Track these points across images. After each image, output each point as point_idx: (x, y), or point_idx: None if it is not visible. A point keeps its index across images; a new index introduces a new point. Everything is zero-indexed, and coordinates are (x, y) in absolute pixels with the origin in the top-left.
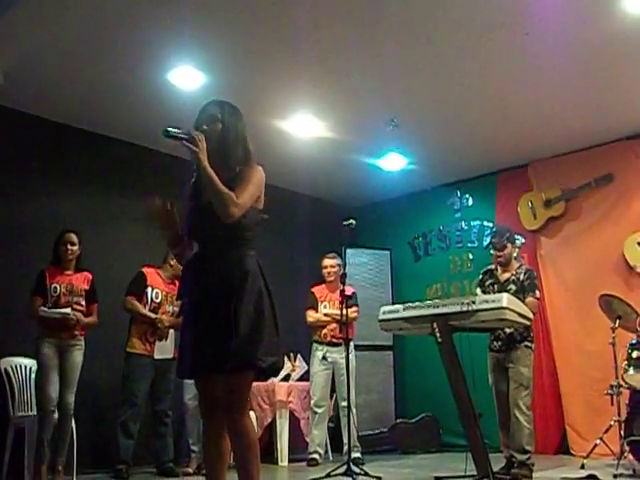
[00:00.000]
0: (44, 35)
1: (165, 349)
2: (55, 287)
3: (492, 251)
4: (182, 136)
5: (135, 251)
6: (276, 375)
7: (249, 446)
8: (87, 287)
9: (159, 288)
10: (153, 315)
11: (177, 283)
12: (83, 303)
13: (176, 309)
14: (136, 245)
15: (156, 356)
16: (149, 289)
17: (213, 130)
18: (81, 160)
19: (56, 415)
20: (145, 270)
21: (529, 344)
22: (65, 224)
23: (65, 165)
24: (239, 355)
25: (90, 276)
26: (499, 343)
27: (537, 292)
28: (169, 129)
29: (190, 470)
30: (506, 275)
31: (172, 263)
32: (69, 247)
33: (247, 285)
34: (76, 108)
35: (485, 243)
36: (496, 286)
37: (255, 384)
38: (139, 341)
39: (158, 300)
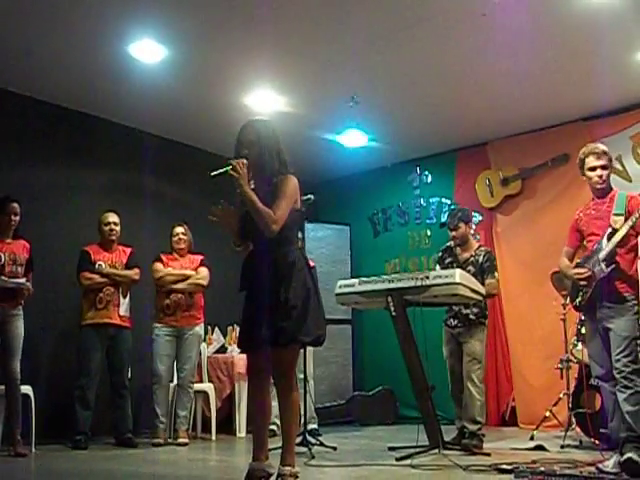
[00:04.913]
0: None
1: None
2: None
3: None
4: (222, 171)
5: (85, 222)
6: (320, 345)
7: (293, 404)
8: (27, 256)
9: (103, 260)
10: (103, 272)
11: (117, 248)
12: (22, 272)
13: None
14: (86, 217)
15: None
16: (96, 265)
17: (251, 153)
18: (37, 131)
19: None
20: (87, 248)
21: (483, 320)
22: (10, 193)
23: (17, 135)
24: (290, 333)
25: (28, 245)
26: (455, 321)
27: (496, 274)
28: (212, 174)
29: (161, 440)
30: (466, 255)
31: (102, 230)
32: (12, 217)
33: (293, 274)
34: (35, 79)
35: (443, 220)
36: (455, 265)
37: (214, 356)
38: (90, 311)
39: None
